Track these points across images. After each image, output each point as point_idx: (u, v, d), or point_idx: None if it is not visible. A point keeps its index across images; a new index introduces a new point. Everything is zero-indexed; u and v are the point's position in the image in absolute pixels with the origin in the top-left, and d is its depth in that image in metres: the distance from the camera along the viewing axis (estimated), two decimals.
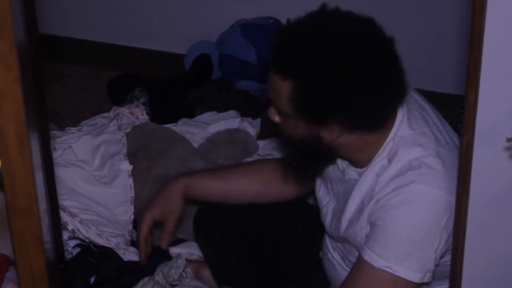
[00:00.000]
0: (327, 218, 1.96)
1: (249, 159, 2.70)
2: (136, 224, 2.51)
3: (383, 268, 1.75)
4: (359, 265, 1.81)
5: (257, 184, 2.17)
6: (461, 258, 1.48)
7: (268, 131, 2.89)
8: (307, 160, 1.84)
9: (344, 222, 1.86)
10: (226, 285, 2.15)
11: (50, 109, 3.10)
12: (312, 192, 2.08)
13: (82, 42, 3.60)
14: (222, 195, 2.18)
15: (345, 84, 1.68)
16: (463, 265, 1.49)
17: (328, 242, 2.04)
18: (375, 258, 1.76)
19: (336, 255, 2.01)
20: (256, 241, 2.17)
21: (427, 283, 1.82)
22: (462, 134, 1.40)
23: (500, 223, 1.47)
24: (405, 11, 3.16)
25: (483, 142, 1.39)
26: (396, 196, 1.75)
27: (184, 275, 2.30)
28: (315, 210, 2.06)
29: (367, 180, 1.81)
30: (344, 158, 1.86)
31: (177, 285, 2.32)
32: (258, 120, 2.94)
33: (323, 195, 1.98)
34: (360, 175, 1.83)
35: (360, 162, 1.83)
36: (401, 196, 1.74)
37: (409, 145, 1.78)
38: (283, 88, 1.73)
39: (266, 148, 2.73)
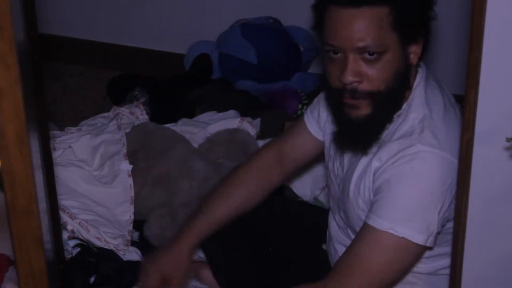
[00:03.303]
0: (339, 185, 1.95)
1: None
2: (136, 224, 2.52)
3: (387, 230, 1.74)
4: (363, 231, 1.79)
5: (256, 195, 2.16)
6: (461, 257, 1.48)
7: (268, 131, 2.89)
8: (392, 102, 1.80)
9: (352, 185, 1.87)
10: (227, 285, 2.15)
11: (50, 109, 3.10)
12: None
13: (82, 42, 3.60)
14: (229, 222, 2.15)
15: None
16: (463, 265, 1.49)
17: (331, 233, 2.05)
18: (379, 221, 1.75)
19: (339, 246, 2.02)
20: (257, 240, 2.17)
21: (430, 249, 1.82)
22: (462, 134, 1.40)
23: (500, 223, 1.47)
24: None
25: (483, 142, 1.39)
26: (400, 158, 1.76)
27: None
28: (315, 207, 2.06)
29: None
30: None
31: None
32: (258, 120, 2.94)
33: (333, 163, 1.98)
34: None
35: None
36: (405, 158, 1.75)
37: (417, 107, 1.80)
38: (378, 16, 1.72)
39: None
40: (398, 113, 1.82)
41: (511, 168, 1.41)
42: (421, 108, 1.80)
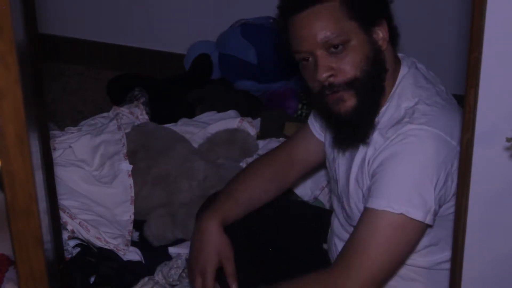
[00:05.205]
0: (339, 182, 1.96)
1: (248, 159, 2.70)
2: (136, 224, 2.52)
3: (385, 208, 1.74)
4: (362, 215, 1.80)
5: (272, 186, 2.16)
6: (461, 257, 1.48)
7: (268, 131, 2.90)
8: (372, 85, 1.82)
9: (352, 180, 1.88)
10: (227, 284, 2.15)
11: (50, 109, 3.10)
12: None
13: (82, 42, 3.61)
14: (248, 211, 2.15)
15: None
16: (463, 265, 1.49)
17: (334, 229, 2.05)
18: (376, 202, 1.75)
19: (340, 243, 2.02)
20: (258, 239, 2.17)
21: (430, 226, 1.81)
22: (462, 134, 1.40)
23: (500, 223, 1.47)
24: (404, 11, 3.16)
25: (483, 142, 1.38)
26: (391, 141, 1.78)
27: (184, 275, 2.30)
28: (315, 207, 2.06)
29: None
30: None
31: (177, 285, 2.32)
32: (258, 120, 2.94)
33: (333, 161, 2.00)
34: None
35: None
36: (397, 139, 1.77)
37: (408, 96, 1.83)
38: (331, 10, 1.78)
39: (266, 148, 2.73)
40: (387, 104, 1.83)
41: (511, 168, 1.41)
42: (412, 97, 1.82)
